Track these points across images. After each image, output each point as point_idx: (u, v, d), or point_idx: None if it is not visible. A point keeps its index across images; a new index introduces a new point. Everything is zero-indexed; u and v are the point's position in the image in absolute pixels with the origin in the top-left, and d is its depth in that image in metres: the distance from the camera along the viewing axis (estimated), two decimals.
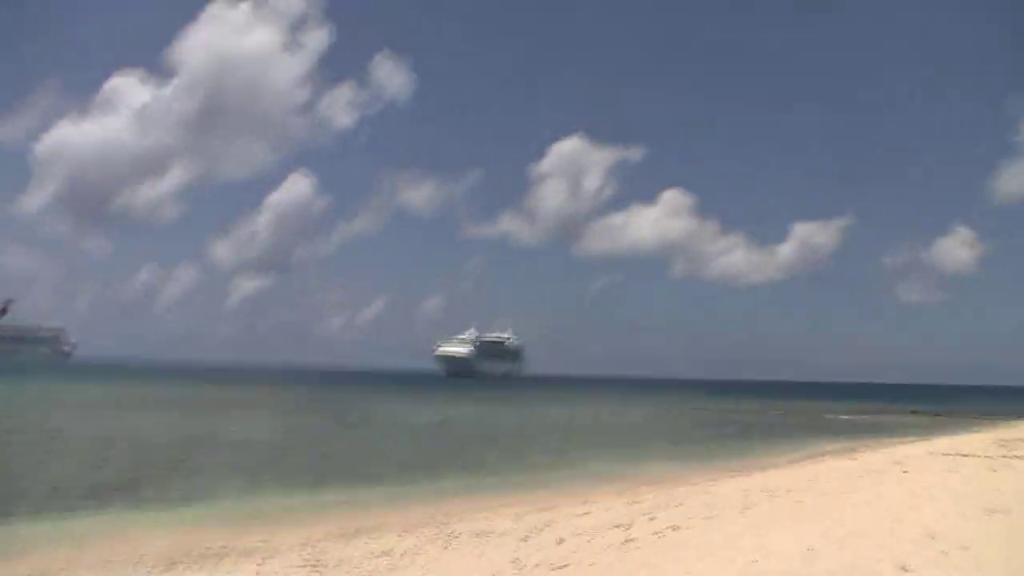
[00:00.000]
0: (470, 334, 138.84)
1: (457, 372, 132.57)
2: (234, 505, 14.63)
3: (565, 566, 7.20)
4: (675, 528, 9.06)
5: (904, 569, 6.18)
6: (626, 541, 8.20)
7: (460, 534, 9.94)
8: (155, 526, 12.52)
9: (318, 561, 8.47)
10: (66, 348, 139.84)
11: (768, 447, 29.03)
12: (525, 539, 9.15)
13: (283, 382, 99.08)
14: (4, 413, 32.93)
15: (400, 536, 10.12)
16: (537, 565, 7.35)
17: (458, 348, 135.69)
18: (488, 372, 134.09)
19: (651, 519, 9.90)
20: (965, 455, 19.31)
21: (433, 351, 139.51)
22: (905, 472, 14.85)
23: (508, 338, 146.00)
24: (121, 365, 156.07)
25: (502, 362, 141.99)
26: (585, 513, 11.64)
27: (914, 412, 61.28)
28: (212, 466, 19.74)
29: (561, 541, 8.59)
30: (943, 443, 24.75)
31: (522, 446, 28.00)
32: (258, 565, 8.43)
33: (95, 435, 25.36)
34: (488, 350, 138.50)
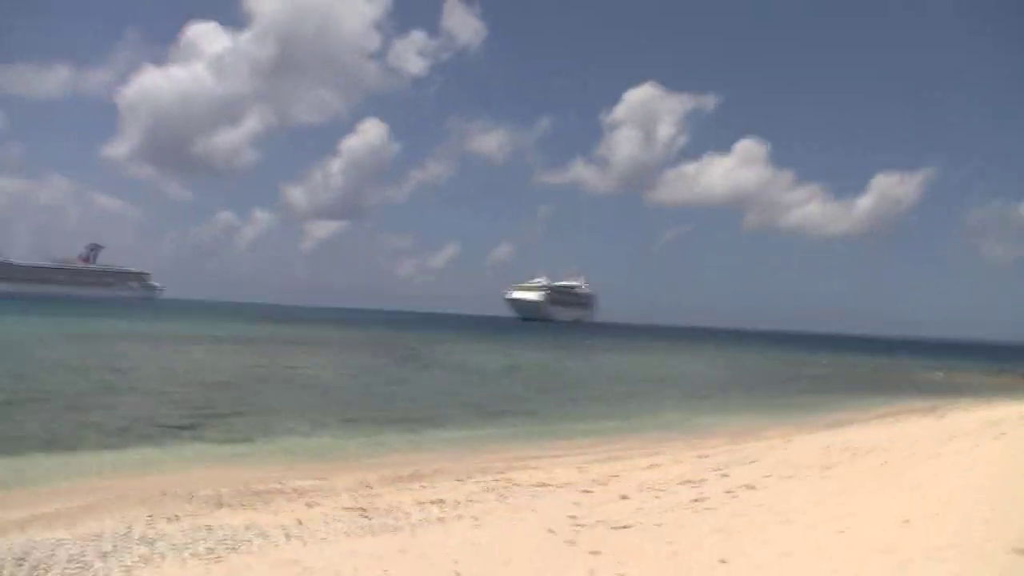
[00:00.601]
0: (542, 280, 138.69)
1: (528, 316, 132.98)
2: (293, 444, 14.50)
3: (627, 527, 6.60)
4: (750, 487, 8.37)
5: (1022, 552, 5.36)
6: (696, 500, 7.57)
7: (519, 484, 9.44)
8: (213, 463, 12.45)
9: (368, 506, 8.06)
10: (152, 288, 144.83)
11: (845, 403, 27.82)
12: (587, 492, 8.59)
13: (354, 324, 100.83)
14: (82, 348, 33.96)
15: (457, 483, 9.68)
16: (597, 522, 6.77)
17: (529, 294, 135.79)
18: (559, 318, 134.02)
19: (723, 476, 9.23)
20: None
21: (505, 295, 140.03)
22: (1002, 435, 13.75)
23: (579, 285, 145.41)
24: (203, 305, 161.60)
25: (573, 308, 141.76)
26: (652, 466, 11.04)
27: (1002, 372, 58.29)
28: (276, 404, 19.79)
29: (625, 497, 7.99)
30: None
31: (590, 394, 27.47)
32: (306, 507, 8.07)
33: (167, 370, 25.87)
34: (559, 296, 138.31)
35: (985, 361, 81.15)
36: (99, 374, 23.26)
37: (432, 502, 8.18)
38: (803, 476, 9.25)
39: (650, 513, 7.14)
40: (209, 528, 6.96)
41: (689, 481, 8.79)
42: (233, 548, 6.22)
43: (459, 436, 16.75)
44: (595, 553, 5.72)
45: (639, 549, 5.81)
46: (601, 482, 9.51)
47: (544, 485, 9.30)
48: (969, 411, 20.84)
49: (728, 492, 7.95)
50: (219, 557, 5.92)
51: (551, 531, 6.50)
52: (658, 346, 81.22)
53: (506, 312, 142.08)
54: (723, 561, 5.35)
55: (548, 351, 55.64)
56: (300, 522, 7.31)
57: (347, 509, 7.84)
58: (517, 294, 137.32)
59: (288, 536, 6.61)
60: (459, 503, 8.07)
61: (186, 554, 6.01)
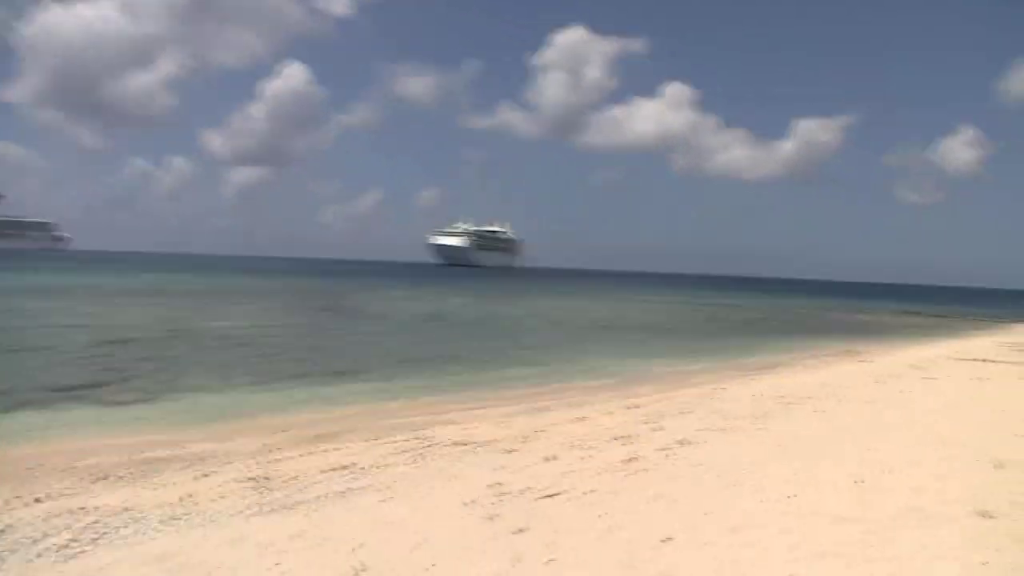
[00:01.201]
0: (465, 225, 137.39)
1: (452, 262, 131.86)
2: (200, 403, 13.43)
3: (556, 494, 5.90)
4: (685, 443, 7.81)
5: (985, 515, 4.89)
6: (629, 460, 6.94)
7: (436, 443, 8.68)
8: (106, 428, 11.34)
9: (269, 474, 7.20)
10: (59, 239, 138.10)
11: (769, 345, 27.99)
12: (510, 452, 7.88)
13: (277, 273, 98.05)
14: None
15: (369, 443, 8.87)
16: (522, 491, 6.05)
17: (454, 239, 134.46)
18: (484, 263, 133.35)
19: (656, 430, 8.65)
20: (982, 360, 18.20)
21: (428, 241, 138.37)
22: (930, 379, 13.68)
23: (504, 230, 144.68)
24: (115, 256, 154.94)
25: (498, 254, 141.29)
26: (580, 419, 10.42)
27: (910, 312, 60.52)
28: (186, 361, 18.55)
29: (552, 458, 7.29)
30: (953, 347, 23.70)
31: (516, 340, 26.88)
32: (199, 477, 7.16)
33: (65, 327, 24.10)
34: (484, 242, 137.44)
35: (898, 302, 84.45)
36: None
37: (340, 468, 7.37)
38: (738, 428, 8.75)
39: (580, 476, 6.46)
40: (76, 512, 5.99)
41: (620, 437, 8.17)
42: (97, 539, 5.28)
43: (377, 389, 15.90)
44: (520, 532, 5.00)
45: (569, 524, 5.11)
46: (526, 439, 8.84)
47: (464, 444, 8.57)
48: (891, 354, 21.02)
49: (662, 450, 7.35)
50: (76, 553, 4.98)
51: (470, 503, 5.76)
52: (586, 292, 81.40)
53: (431, 258, 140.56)
54: (667, 539, 4.70)
55: (472, 297, 54.92)
56: (188, 497, 6.41)
57: (243, 481, 6.96)
58: (441, 239, 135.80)
59: (168, 519, 5.71)
60: (369, 468, 7.27)
61: (36, 551, 5.04)
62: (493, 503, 5.72)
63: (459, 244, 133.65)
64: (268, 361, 19.19)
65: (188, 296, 44.67)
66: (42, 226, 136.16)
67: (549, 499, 5.77)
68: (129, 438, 10.18)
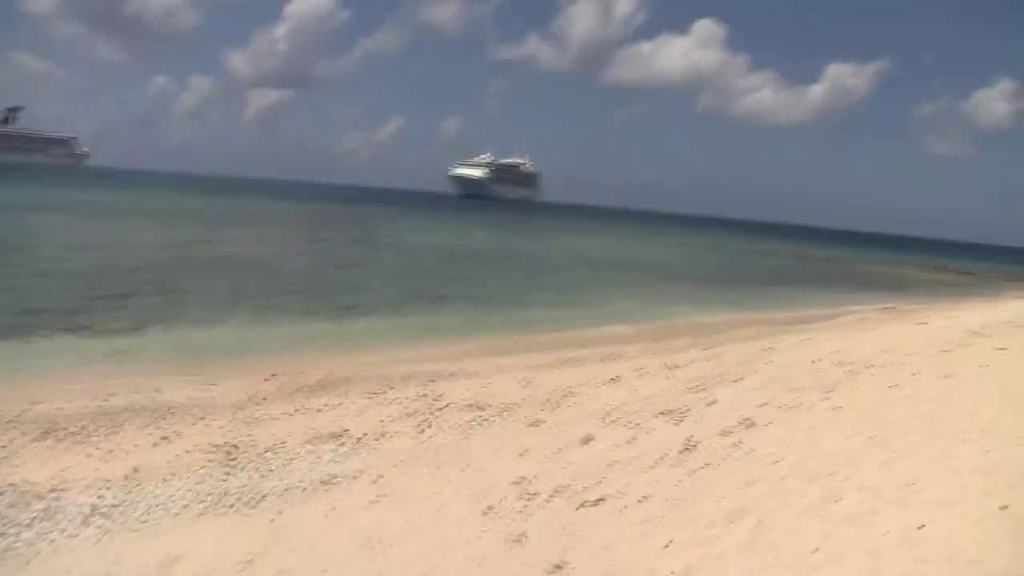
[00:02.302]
0: (485, 157, 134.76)
1: (471, 194, 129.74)
2: (192, 338, 12.21)
3: (600, 500, 4.53)
4: (749, 424, 6.43)
5: None
6: (686, 449, 5.57)
7: (447, 403, 7.37)
8: (80, 363, 10.19)
9: (236, 444, 5.90)
10: (78, 155, 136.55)
11: (802, 297, 26.49)
12: (535, 426, 6.54)
13: (296, 197, 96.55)
14: None
15: (369, 399, 7.56)
16: (556, 492, 4.69)
17: (473, 171, 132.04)
18: (503, 196, 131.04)
19: (708, 403, 7.27)
20: None
21: (448, 172, 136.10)
22: (1002, 349, 12.16)
23: (524, 163, 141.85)
24: (134, 175, 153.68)
25: (517, 187, 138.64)
26: (613, 379, 9.05)
27: (939, 268, 58.49)
28: (187, 288, 17.34)
29: (589, 439, 5.92)
30: (1009, 309, 22.04)
31: (537, 279, 25.51)
32: (153, 445, 5.89)
33: (69, 247, 22.88)
34: (503, 174, 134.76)
35: (919, 255, 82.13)
36: None
37: (329, 437, 6.07)
38: (807, 405, 7.36)
39: (628, 471, 5.11)
40: None
41: (668, 412, 6.80)
42: None
43: (389, 327, 14.63)
44: (558, 570, 3.66)
45: (624, 557, 3.76)
46: (553, 404, 7.50)
47: (479, 407, 7.25)
48: (942, 315, 19.43)
49: (724, 435, 5.97)
50: None
51: (489, 511, 4.43)
52: (606, 230, 79.62)
53: (450, 189, 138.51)
54: None
55: (493, 231, 53.37)
56: (134, 475, 5.14)
57: (208, 451, 5.68)
58: (461, 171, 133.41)
59: (92, 514, 4.43)
60: (364, 440, 5.97)
61: None
62: (520, 512, 4.37)
63: (479, 176, 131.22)
64: (274, 292, 17.92)
65: (201, 219, 43.37)
66: (62, 142, 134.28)
67: (592, 508, 4.41)
68: (98, 379, 8.96)
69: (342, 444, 5.77)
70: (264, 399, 7.63)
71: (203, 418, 6.67)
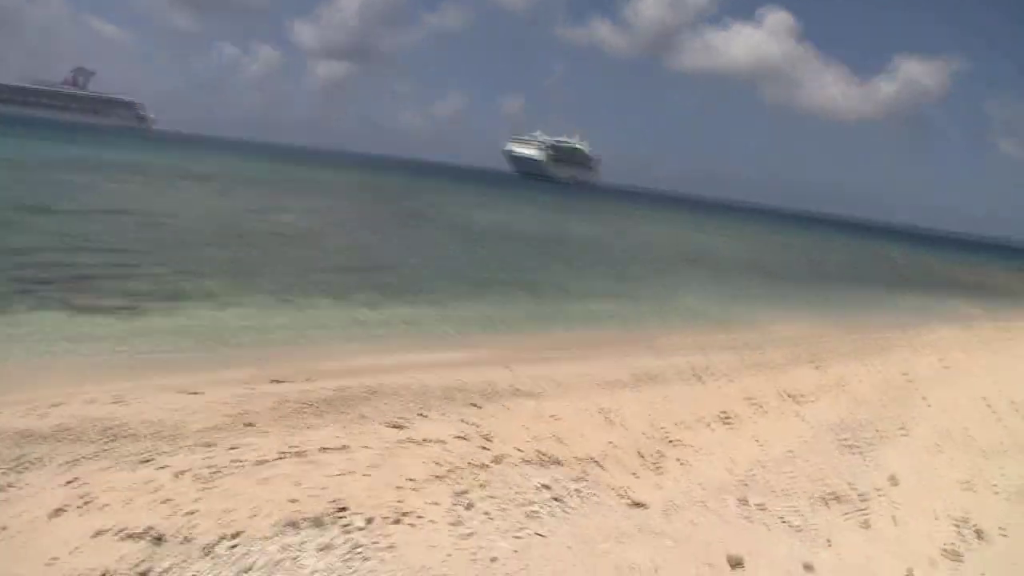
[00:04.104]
0: (543, 136, 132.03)
1: (528, 173, 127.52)
2: (188, 324, 10.21)
3: None
4: (974, 528, 4.19)
5: None
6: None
7: (500, 459, 5.21)
8: (39, 352, 8.30)
9: (163, 535, 3.73)
10: (143, 119, 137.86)
11: (891, 301, 23.90)
12: (638, 508, 4.39)
13: (353, 168, 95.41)
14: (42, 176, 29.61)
15: (388, 442, 5.42)
16: None
17: (531, 150, 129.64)
18: (559, 177, 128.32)
19: (889, 479, 4.98)
20: None
21: (504, 149, 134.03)
22: None
23: (582, 145, 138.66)
24: (196, 140, 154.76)
25: (574, 168, 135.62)
26: (724, 417, 6.84)
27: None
28: (212, 260, 15.61)
29: (737, 564, 3.74)
30: None
31: (597, 267, 23.25)
32: (49, 517, 3.84)
33: (106, 210, 21.31)
34: (561, 155, 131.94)
35: (996, 259, 77.82)
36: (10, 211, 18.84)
37: (315, 520, 3.97)
38: (1018, 484, 5.10)
39: None
40: None
41: (835, 496, 4.50)
42: None
43: (427, 317, 12.55)
44: None
45: None
46: (652, 463, 5.37)
47: (546, 465, 5.11)
48: None
49: (951, 556, 3.75)
50: None
51: None
52: (664, 216, 76.76)
53: (506, 167, 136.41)
54: None
55: (551, 212, 51.09)
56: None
57: (121, 539, 3.62)
58: (518, 149, 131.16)
59: None
60: (370, 528, 3.86)
61: None
62: None
63: (535, 155, 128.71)
64: (308, 268, 16.03)
65: (253, 184, 42.06)
66: (128, 105, 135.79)
67: None
68: (57, 378, 7.07)
69: (334, 538, 3.66)
70: (249, 425, 5.60)
71: (148, 460, 4.64)
